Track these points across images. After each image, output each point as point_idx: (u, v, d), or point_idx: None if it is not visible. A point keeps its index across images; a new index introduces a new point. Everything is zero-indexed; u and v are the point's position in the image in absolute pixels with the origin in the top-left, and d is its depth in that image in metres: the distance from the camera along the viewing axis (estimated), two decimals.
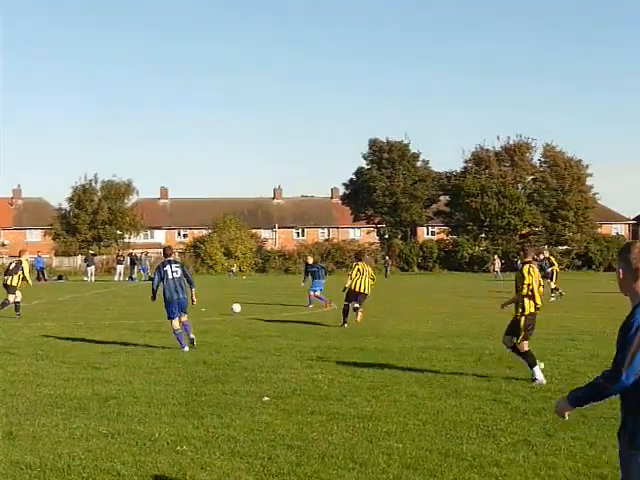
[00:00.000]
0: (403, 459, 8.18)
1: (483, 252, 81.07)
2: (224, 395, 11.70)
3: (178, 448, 8.66)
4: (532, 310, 13.09)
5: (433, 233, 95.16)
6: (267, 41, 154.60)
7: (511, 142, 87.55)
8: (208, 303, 31.18)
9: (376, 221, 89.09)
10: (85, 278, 59.04)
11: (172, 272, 17.46)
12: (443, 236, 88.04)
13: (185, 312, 17.48)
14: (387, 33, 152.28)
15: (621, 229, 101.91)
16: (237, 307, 27.23)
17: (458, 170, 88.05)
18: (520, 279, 13.23)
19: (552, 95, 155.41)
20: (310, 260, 32.94)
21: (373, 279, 23.13)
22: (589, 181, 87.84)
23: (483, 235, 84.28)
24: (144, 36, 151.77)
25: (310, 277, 30.18)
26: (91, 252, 66.92)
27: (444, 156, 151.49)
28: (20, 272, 25.88)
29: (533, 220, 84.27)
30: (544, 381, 12.53)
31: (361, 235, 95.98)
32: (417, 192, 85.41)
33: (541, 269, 43.52)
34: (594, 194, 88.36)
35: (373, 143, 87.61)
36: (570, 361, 14.90)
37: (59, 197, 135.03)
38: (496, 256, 68.42)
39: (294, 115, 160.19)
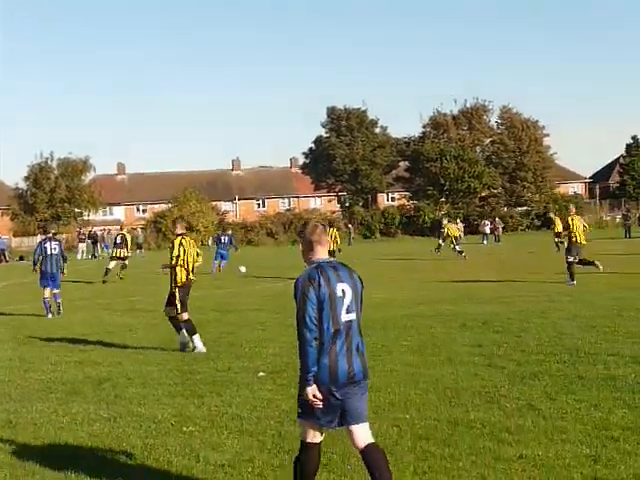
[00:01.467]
0: (413, 430, 8.17)
1: (444, 216, 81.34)
2: (218, 372, 11.62)
3: (184, 429, 8.57)
4: (184, 281, 13.88)
5: (393, 199, 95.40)
6: (225, 10, 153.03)
7: (468, 105, 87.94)
8: None
9: (337, 189, 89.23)
10: None
11: (51, 249, 19.96)
12: (404, 202, 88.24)
13: (57, 286, 19.95)
14: None
15: (578, 188, 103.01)
16: (243, 268, 31.26)
17: (416, 135, 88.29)
18: (170, 251, 14.05)
19: (506, 54, 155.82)
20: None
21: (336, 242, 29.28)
22: (546, 141, 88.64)
23: (443, 199, 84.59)
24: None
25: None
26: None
27: (402, 122, 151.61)
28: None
29: (492, 182, 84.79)
30: (204, 349, 13.41)
31: (322, 204, 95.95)
32: (377, 159, 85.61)
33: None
34: (551, 154, 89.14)
35: (331, 111, 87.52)
36: (555, 322, 15.00)
37: (15, 176, 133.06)
38: (458, 220, 68.72)
39: (250, 84, 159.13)
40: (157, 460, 7.54)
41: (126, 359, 12.97)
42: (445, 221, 45.28)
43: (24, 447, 8.08)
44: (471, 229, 71.83)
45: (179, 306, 13.77)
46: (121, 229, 34.28)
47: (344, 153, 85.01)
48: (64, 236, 74.18)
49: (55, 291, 19.94)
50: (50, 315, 19.41)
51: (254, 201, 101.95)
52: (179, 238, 14.00)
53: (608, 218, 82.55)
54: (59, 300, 19.90)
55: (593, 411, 8.60)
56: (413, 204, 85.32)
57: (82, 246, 59.45)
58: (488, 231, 63.31)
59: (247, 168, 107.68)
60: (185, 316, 13.78)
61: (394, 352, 12.60)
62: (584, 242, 23.33)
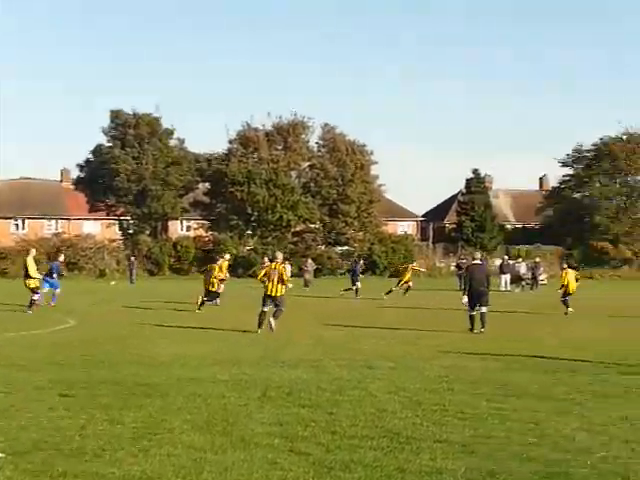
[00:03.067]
0: None
1: (250, 252, 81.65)
2: None
3: None
4: None
5: (189, 228, 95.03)
6: None
7: (284, 120, 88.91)
8: None
9: (119, 212, 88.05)
10: None
11: None
12: (201, 232, 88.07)
13: None
14: None
15: (409, 227, 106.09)
16: None
17: (221, 152, 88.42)
18: None
19: (329, 73, 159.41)
20: None
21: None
22: (374, 170, 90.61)
23: (250, 232, 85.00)
24: None
25: None
26: None
27: (204, 135, 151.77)
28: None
29: (310, 215, 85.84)
30: None
31: (99, 229, 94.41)
32: (170, 177, 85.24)
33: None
34: (379, 185, 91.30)
35: (116, 115, 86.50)
36: (373, 396, 15.05)
37: None
38: (266, 259, 69.00)
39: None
40: None
41: None
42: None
43: None
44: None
45: None
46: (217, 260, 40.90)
47: (130, 168, 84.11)
48: None
49: None
50: None
51: (11, 221, 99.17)
52: None
53: (442, 264, 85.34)
54: None
55: None
56: (212, 235, 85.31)
57: None
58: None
59: (4, 180, 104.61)
60: None
61: (175, 429, 12.22)
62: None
